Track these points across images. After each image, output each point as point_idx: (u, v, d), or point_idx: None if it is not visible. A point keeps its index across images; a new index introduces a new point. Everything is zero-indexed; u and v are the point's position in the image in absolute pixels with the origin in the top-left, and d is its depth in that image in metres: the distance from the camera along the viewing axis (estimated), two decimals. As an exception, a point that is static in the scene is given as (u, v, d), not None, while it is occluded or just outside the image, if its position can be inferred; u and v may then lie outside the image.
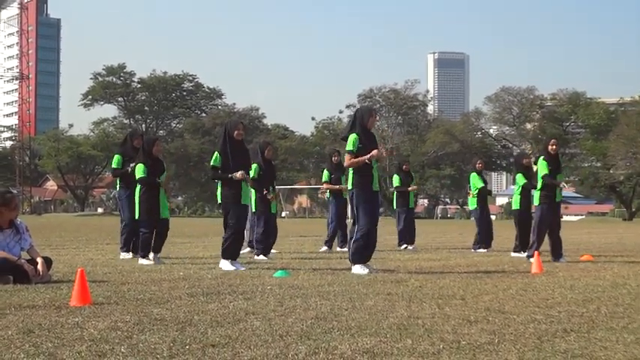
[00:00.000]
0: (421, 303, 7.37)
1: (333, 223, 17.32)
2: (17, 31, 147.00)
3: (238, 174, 11.36)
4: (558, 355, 4.95)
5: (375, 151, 10.80)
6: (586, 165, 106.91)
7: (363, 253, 10.85)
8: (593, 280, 9.95)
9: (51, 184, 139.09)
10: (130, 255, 13.76)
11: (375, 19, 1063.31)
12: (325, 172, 17.62)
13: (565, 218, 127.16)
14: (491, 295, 8.18)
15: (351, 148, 10.88)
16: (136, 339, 5.35)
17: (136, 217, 12.84)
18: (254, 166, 14.13)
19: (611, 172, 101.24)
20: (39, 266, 9.01)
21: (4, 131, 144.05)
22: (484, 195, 17.69)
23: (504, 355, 4.91)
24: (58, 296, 7.65)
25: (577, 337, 5.60)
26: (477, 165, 18.04)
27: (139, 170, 12.69)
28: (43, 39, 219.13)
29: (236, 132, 11.64)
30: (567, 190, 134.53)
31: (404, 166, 19.25)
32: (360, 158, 10.84)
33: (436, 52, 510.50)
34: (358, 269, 10.67)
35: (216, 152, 11.64)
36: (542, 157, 13.98)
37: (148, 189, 12.65)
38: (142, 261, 12.45)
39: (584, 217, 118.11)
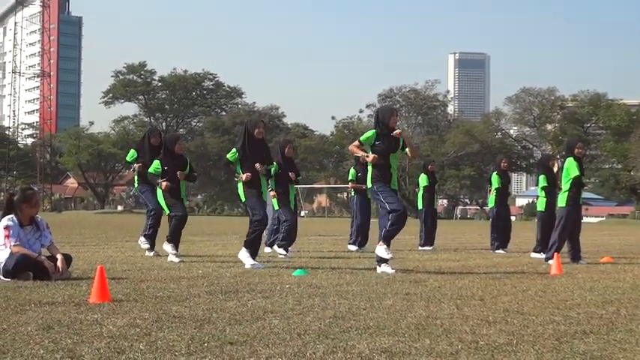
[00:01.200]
0: (440, 303, 7.36)
1: (357, 221, 17.32)
2: (39, 29, 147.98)
3: (257, 165, 11.41)
4: (577, 356, 4.93)
5: (372, 156, 10.84)
6: (607, 166, 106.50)
7: (393, 235, 10.87)
8: (613, 282, 9.91)
9: (71, 182, 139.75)
10: (147, 246, 13.83)
11: (396, 19, 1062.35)
12: (352, 171, 17.66)
13: (585, 220, 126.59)
14: (510, 295, 8.15)
15: (363, 139, 10.94)
16: (155, 336, 5.36)
17: (165, 211, 12.97)
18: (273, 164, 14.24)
19: (632, 173, 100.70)
20: (58, 263, 9.06)
21: (25, 128, 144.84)
22: (503, 195, 17.61)
23: (523, 356, 4.90)
24: (77, 293, 7.68)
25: (596, 338, 5.58)
26: (502, 164, 17.97)
27: (153, 166, 12.89)
28: (65, 37, 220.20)
29: (256, 130, 11.68)
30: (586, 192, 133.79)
31: (429, 166, 19.13)
32: (360, 151, 11.02)
33: (457, 52, 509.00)
34: (383, 252, 10.68)
35: (234, 148, 11.68)
36: (571, 158, 13.69)
37: (169, 188, 12.73)
38: (165, 245, 12.62)
39: (604, 218, 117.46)
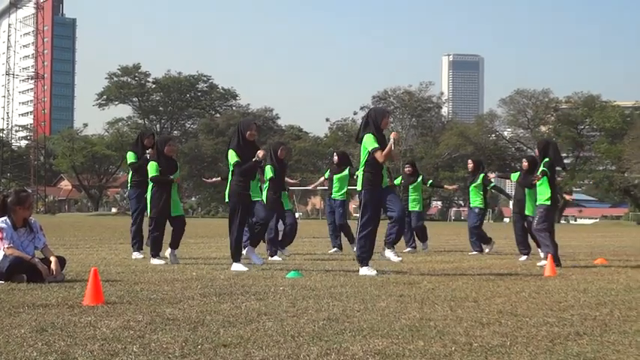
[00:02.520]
0: (433, 305, 7.36)
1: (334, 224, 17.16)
2: (33, 31, 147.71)
3: (260, 152, 11.44)
4: (571, 358, 4.94)
5: (394, 133, 11.01)
6: (601, 168, 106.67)
7: (369, 253, 10.92)
8: (607, 284, 9.92)
9: (65, 184, 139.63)
10: (140, 255, 13.80)
11: (390, 21, 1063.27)
12: (328, 172, 17.57)
13: (579, 221, 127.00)
14: (504, 297, 8.16)
15: (376, 145, 10.83)
16: (148, 338, 5.36)
17: (148, 214, 12.93)
18: (268, 167, 14.24)
19: (625, 175, 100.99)
20: (52, 265, 9.04)
21: (19, 131, 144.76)
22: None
23: (516, 358, 4.91)
24: (71, 295, 7.68)
25: (590, 340, 5.59)
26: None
27: (152, 169, 12.73)
28: (59, 39, 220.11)
29: (249, 132, 11.64)
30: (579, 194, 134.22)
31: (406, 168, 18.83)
32: (387, 150, 10.86)
33: (451, 54, 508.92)
34: (366, 271, 10.75)
35: (231, 150, 11.62)
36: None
37: (159, 188, 12.70)
38: (153, 261, 12.50)
39: (598, 220, 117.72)
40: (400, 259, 11.49)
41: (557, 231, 14.48)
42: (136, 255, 13.83)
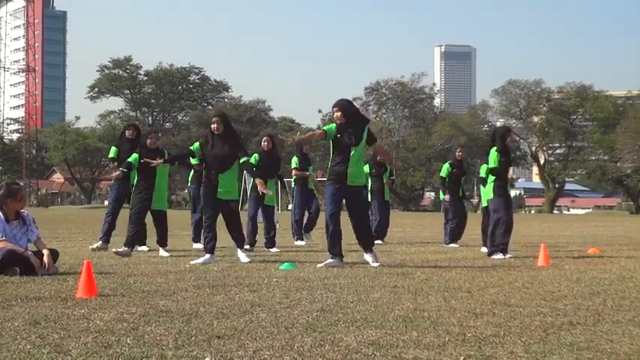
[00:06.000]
0: (427, 296, 7.37)
1: (296, 212, 17.04)
2: (23, 24, 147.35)
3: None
4: (564, 347, 4.95)
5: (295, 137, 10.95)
6: (593, 158, 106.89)
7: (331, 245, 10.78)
8: (600, 274, 9.94)
9: (57, 177, 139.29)
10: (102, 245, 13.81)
11: (382, 12, 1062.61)
12: (295, 159, 17.09)
13: (572, 211, 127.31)
14: (498, 288, 8.17)
15: (327, 128, 10.77)
16: (142, 330, 5.36)
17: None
18: (255, 155, 14.21)
19: (618, 165, 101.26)
20: (45, 258, 9.02)
21: (10, 124, 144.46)
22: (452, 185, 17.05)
23: (510, 348, 4.91)
24: (64, 288, 7.67)
25: (583, 329, 5.60)
26: (457, 154, 17.48)
27: (132, 157, 13.05)
28: (50, 31, 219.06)
29: (213, 126, 11.53)
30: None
31: (377, 157, 18.08)
32: (307, 135, 11.10)
33: (443, 44, 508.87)
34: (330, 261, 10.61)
35: (196, 144, 11.67)
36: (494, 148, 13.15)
37: (143, 181, 12.84)
38: (162, 252, 12.79)
39: (590, 210, 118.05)
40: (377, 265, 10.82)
41: (550, 221, 14.50)
42: (98, 245, 13.83)
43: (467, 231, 17.18)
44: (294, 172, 16.79)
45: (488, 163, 13.33)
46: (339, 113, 10.72)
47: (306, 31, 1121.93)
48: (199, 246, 13.63)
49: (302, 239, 16.47)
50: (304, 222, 16.97)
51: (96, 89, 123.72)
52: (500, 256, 12.64)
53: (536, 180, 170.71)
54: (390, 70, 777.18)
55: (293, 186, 17.06)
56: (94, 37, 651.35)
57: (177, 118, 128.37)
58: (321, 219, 13.77)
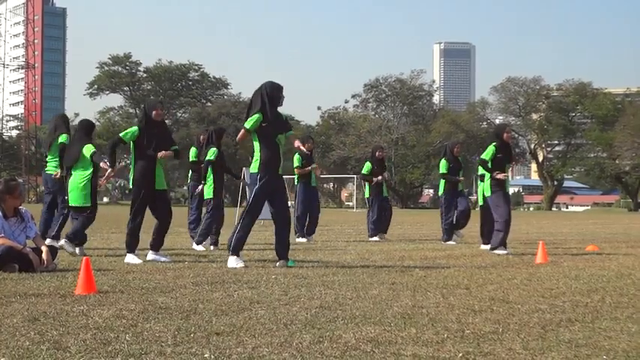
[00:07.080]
0: (425, 292, 7.37)
1: (299, 208, 16.92)
2: (23, 21, 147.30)
3: (161, 153, 10.83)
4: (562, 344, 4.95)
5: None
6: (592, 155, 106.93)
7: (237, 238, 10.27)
8: (598, 271, 9.95)
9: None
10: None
11: (382, 9, 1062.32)
12: (297, 157, 16.83)
13: (571, 208, 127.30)
14: (496, 284, 8.18)
15: (250, 125, 10.15)
16: (141, 327, 5.36)
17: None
18: (212, 149, 13.77)
19: (617, 162, 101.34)
20: (44, 255, 9.03)
21: (10, 120, 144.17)
22: (451, 181, 16.94)
23: (508, 345, 4.92)
24: (63, 285, 7.67)
25: (581, 326, 5.60)
26: (455, 149, 17.17)
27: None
28: (49, 28, 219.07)
29: (154, 112, 11.03)
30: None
31: (377, 153, 18.18)
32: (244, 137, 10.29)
33: (442, 42, 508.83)
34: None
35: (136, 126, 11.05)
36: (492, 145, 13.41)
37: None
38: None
39: (589, 207, 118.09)
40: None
41: (549, 218, 14.51)
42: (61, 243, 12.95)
43: (466, 229, 17.15)
44: (296, 170, 16.77)
45: None
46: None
47: (306, 27, 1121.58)
48: (200, 248, 13.56)
49: (303, 236, 16.47)
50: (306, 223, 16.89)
51: (95, 86, 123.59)
52: (503, 251, 12.67)
53: (534, 177, 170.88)
54: (390, 67, 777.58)
55: (296, 183, 17.03)
56: (93, 34, 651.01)
57: (176, 115, 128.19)
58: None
